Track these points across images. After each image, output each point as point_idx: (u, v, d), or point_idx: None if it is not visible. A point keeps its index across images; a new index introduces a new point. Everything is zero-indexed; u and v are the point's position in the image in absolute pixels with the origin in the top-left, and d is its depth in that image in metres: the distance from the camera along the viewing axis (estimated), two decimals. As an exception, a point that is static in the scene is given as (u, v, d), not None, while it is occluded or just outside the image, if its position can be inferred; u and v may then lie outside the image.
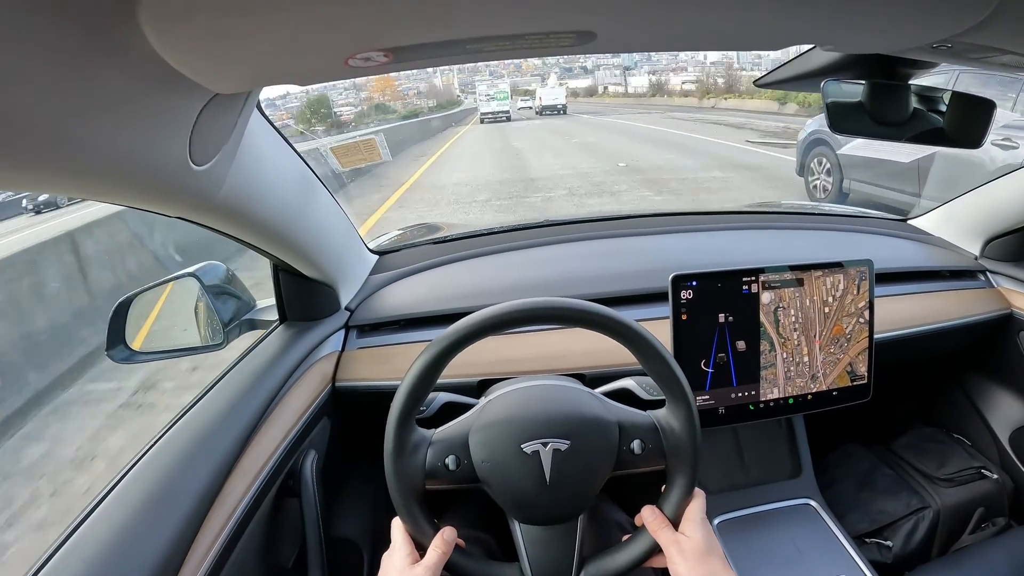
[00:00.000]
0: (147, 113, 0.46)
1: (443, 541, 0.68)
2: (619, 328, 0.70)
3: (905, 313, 1.24)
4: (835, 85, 0.75)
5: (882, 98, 0.76)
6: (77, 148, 0.42)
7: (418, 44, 0.42)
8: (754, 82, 0.89)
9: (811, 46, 0.76)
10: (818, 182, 5.97)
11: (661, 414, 0.73)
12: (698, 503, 0.70)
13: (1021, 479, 1.32)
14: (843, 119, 0.75)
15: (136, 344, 1.03)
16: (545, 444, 0.69)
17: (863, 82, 0.75)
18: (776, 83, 0.86)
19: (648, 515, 0.70)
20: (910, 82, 0.78)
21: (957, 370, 1.47)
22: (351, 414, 1.14)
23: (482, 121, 27.56)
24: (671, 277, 0.95)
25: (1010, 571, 1.05)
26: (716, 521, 1.09)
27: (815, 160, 6.00)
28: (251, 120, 0.69)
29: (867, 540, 1.20)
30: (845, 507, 1.24)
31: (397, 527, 0.70)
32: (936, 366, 1.48)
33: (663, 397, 0.72)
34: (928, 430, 1.44)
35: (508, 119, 27.61)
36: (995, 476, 1.29)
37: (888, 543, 1.19)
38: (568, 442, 0.69)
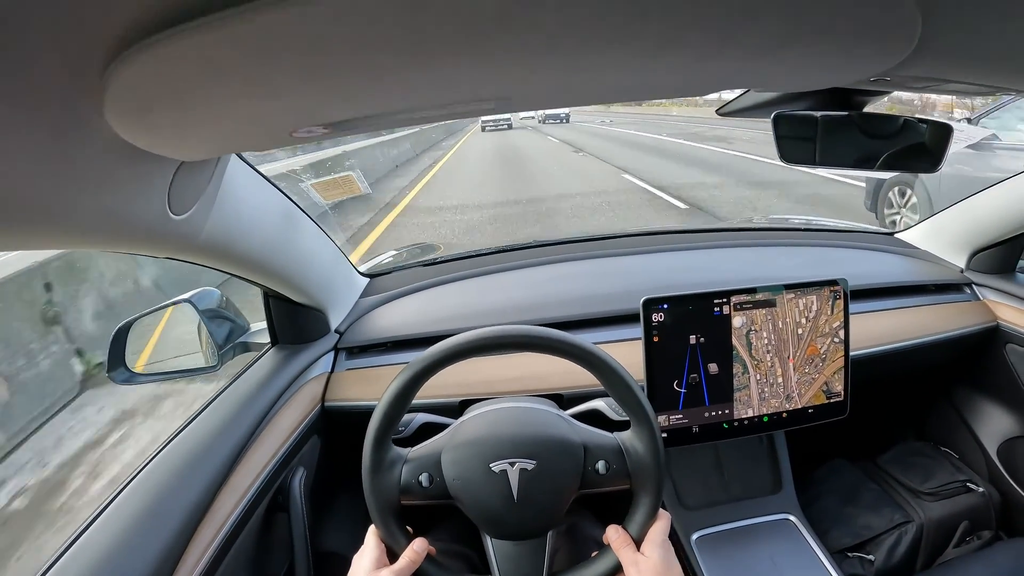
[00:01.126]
0: (124, 181, 0.51)
1: (414, 551, 0.72)
2: (580, 353, 0.73)
3: (890, 328, 1.25)
4: (785, 117, 0.77)
5: (833, 127, 0.78)
6: (63, 213, 0.47)
7: (352, 118, 0.46)
8: (716, 111, 0.92)
9: None
10: (898, 218, 4.74)
11: (626, 436, 0.76)
12: (661, 524, 0.72)
13: (1009, 492, 1.32)
14: (793, 150, 0.77)
15: (136, 367, 1.08)
16: (512, 464, 0.72)
17: (814, 113, 0.77)
18: (737, 112, 0.88)
19: (612, 534, 0.73)
20: (865, 110, 0.80)
21: (945, 384, 1.47)
22: (340, 433, 1.18)
23: (483, 129, 27.00)
24: (642, 301, 0.97)
25: None
26: (695, 536, 1.11)
27: (893, 191, 4.80)
28: (230, 166, 0.74)
29: (849, 555, 1.20)
30: (829, 522, 1.25)
31: (372, 532, 0.74)
32: (924, 380, 1.49)
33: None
34: (915, 444, 1.44)
35: (510, 127, 27.25)
36: (981, 489, 1.29)
37: (870, 557, 1.20)
38: (534, 462, 0.72)
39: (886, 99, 0.84)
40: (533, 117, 33.47)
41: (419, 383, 0.74)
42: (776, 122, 0.77)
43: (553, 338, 0.73)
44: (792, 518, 1.14)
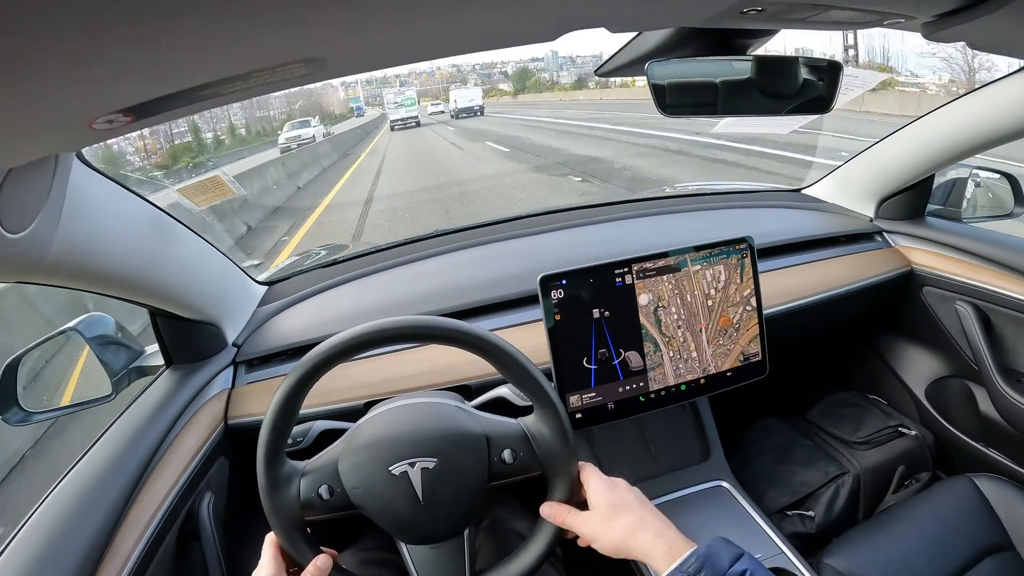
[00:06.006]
0: None
1: (316, 568, 0.67)
2: (468, 339, 0.69)
3: (804, 282, 1.25)
4: (659, 66, 0.72)
5: (713, 73, 0.74)
6: None
7: (150, 100, 0.39)
8: (595, 71, 0.88)
9: None
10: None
11: (530, 420, 0.73)
12: (589, 475, 0.71)
13: (941, 431, 1.33)
14: (669, 99, 0.73)
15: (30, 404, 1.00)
16: (412, 464, 0.68)
17: (689, 60, 0.73)
18: (615, 70, 0.84)
19: (547, 511, 0.71)
20: (749, 52, 0.77)
21: (867, 333, 1.48)
22: (248, 451, 1.10)
23: (392, 128, 26.44)
24: (539, 278, 0.93)
25: (935, 524, 1.04)
26: None
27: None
28: (75, 175, 0.67)
29: (788, 513, 1.19)
30: (765, 484, 1.23)
31: (270, 543, 0.69)
32: (846, 331, 1.49)
33: None
34: (844, 395, 1.45)
35: (418, 124, 26.63)
36: (914, 432, 1.30)
37: (810, 514, 1.18)
38: (435, 459, 0.69)
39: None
40: (443, 112, 32.31)
41: (303, 391, 0.69)
42: (650, 73, 0.73)
43: (433, 326, 0.69)
44: (725, 484, 1.11)
